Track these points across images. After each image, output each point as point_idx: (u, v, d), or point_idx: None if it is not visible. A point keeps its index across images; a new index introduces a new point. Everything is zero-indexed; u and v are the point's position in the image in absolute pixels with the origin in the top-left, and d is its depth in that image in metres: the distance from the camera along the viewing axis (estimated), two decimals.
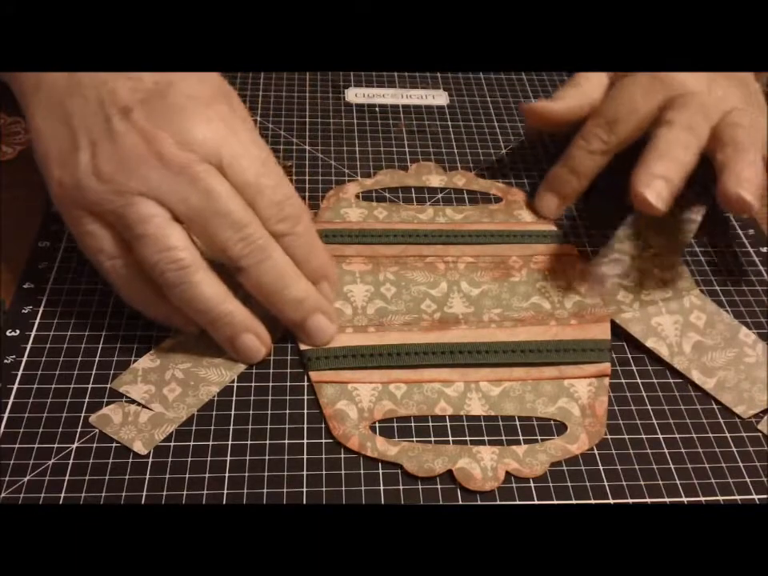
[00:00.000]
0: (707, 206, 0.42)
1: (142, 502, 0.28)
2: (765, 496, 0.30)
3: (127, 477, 0.29)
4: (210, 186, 0.30)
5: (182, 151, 0.30)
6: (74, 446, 0.30)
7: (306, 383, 0.33)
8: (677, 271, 0.37)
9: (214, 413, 0.31)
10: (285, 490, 0.29)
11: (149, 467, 0.29)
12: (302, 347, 0.33)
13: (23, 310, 0.34)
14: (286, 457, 0.30)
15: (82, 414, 0.31)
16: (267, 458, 0.30)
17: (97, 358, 0.33)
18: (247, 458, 0.30)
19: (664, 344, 0.35)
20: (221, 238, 0.30)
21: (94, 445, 0.30)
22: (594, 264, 0.38)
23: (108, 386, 0.32)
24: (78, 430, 0.30)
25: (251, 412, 0.32)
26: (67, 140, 0.31)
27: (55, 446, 0.30)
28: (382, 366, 0.33)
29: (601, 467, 0.31)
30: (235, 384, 0.33)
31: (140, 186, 0.29)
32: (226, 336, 0.32)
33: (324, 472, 0.30)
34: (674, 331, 0.35)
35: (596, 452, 0.31)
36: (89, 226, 0.31)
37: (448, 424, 0.32)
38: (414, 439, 0.31)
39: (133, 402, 0.31)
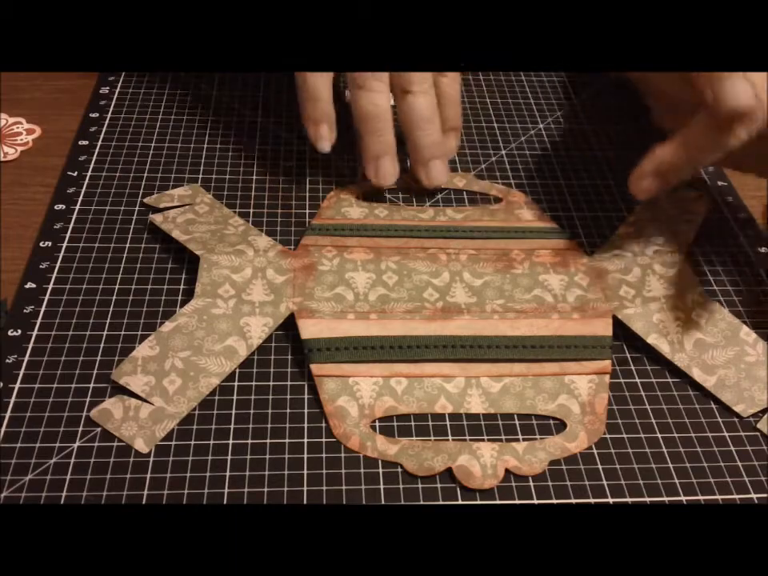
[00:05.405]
0: (707, 206, 0.42)
1: (143, 500, 0.29)
2: (763, 495, 0.30)
3: (128, 476, 0.29)
4: None
5: None
6: (76, 445, 0.30)
7: (306, 382, 0.33)
8: (679, 269, 0.37)
9: (215, 412, 0.32)
10: (285, 489, 0.29)
11: (150, 466, 0.30)
12: (304, 337, 0.33)
13: (25, 310, 0.35)
14: (286, 456, 0.30)
15: (84, 414, 0.31)
16: (268, 457, 0.30)
17: (98, 358, 0.33)
18: (248, 456, 0.30)
19: (665, 341, 0.35)
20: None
21: (96, 444, 0.30)
22: (597, 259, 0.38)
23: (109, 385, 0.32)
24: (80, 429, 0.31)
25: (252, 411, 0.32)
26: None
27: (56, 445, 0.30)
28: (384, 360, 0.33)
29: (600, 466, 0.31)
30: (236, 383, 0.33)
31: None
32: (375, 151, 0.40)
33: (324, 471, 0.30)
34: (675, 328, 0.35)
35: (595, 451, 0.31)
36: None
37: (448, 423, 0.32)
38: (414, 438, 0.31)
39: (133, 395, 0.31)
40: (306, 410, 0.32)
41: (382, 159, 0.40)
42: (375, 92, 0.39)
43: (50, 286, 0.36)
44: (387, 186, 0.41)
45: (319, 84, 0.40)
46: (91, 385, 0.32)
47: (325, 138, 0.40)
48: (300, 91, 0.40)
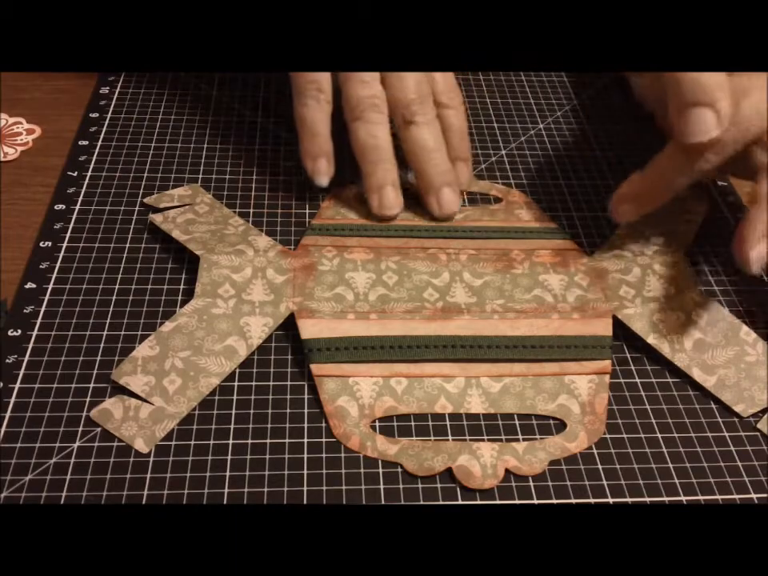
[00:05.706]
0: (707, 206, 0.42)
1: (143, 500, 0.29)
2: (763, 495, 0.30)
3: (128, 475, 0.29)
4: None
5: None
6: (76, 445, 0.30)
7: (306, 382, 0.33)
8: (679, 269, 0.37)
9: (215, 412, 0.32)
10: (285, 489, 0.29)
11: (150, 466, 0.30)
12: (304, 337, 0.33)
13: (25, 310, 0.35)
14: (286, 456, 0.30)
15: (84, 414, 0.31)
16: (268, 457, 0.30)
17: (98, 358, 0.33)
18: (248, 456, 0.30)
19: (665, 341, 0.35)
20: (408, 98, 0.39)
21: (96, 444, 0.30)
22: (597, 259, 0.38)
23: (109, 385, 0.32)
24: (80, 429, 0.31)
25: (252, 411, 0.32)
26: None
27: (56, 445, 0.30)
28: (384, 360, 0.33)
29: (600, 466, 0.31)
30: (236, 383, 0.33)
31: None
32: (376, 183, 0.39)
33: (324, 471, 0.30)
34: (675, 328, 0.35)
35: (595, 451, 0.31)
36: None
37: (448, 423, 0.32)
38: (414, 438, 0.31)
39: (133, 395, 0.31)
40: (305, 410, 0.32)
41: (384, 190, 0.39)
42: (373, 123, 0.39)
43: (50, 286, 0.36)
44: (392, 217, 0.40)
45: (317, 119, 0.40)
46: (91, 385, 0.32)
47: (323, 172, 0.40)
48: (298, 127, 0.40)
